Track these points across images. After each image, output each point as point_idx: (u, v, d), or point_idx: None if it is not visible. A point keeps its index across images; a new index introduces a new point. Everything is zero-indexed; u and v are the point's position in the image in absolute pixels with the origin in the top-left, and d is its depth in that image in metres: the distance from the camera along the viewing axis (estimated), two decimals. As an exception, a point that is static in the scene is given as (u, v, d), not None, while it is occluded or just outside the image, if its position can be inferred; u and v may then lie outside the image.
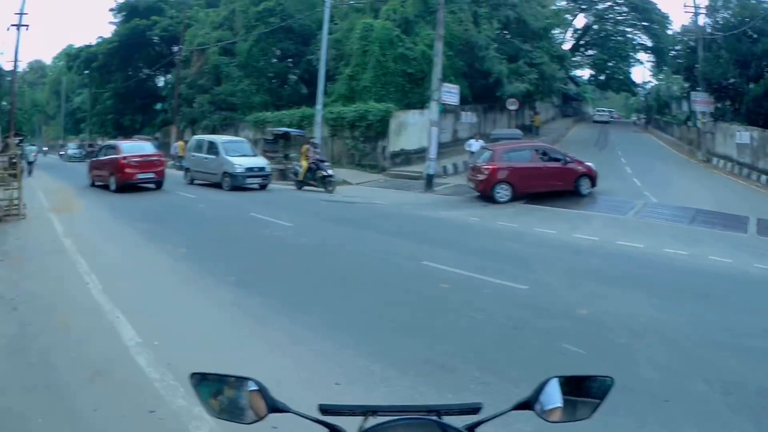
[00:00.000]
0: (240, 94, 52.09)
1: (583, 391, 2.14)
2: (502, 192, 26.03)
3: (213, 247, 15.30)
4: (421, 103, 39.15)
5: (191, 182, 32.38)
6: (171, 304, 10.36)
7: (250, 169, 29.74)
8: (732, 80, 46.47)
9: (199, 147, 32.26)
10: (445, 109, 36.12)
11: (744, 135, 40.36)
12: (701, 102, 47.92)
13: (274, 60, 55.55)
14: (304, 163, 30.70)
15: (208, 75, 54.87)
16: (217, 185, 29.84)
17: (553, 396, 2.11)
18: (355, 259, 14.22)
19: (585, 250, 16.60)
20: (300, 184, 30.87)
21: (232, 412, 2.06)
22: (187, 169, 33.18)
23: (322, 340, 8.55)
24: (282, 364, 7.57)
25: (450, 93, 34.33)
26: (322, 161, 30.88)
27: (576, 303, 11.00)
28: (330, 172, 30.26)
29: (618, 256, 15.89)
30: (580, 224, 20.87)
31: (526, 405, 2.09)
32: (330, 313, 9.85)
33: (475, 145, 33.47)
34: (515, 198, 25.81)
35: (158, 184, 29.61)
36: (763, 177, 36.44)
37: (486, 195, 26.25)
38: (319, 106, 37.92)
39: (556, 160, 27.57)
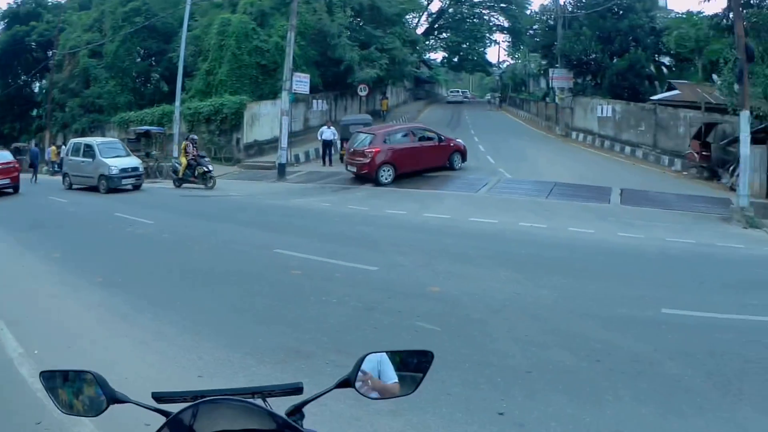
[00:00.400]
0: (106, 95, 50.93)
1: (406, 365, 2.18)
2: (386, 173, 27.36)
3: (82, 249, 14.99)
4: (274, 94, 39.16)
5: (70, 187, 30.72)
6: (47, 310, 10.09)
7: (124, 170, 28.80)
8: (593, 56, 47.97)
9: (76, 150, 30.84)
10: (296, 98, 36.25)
11: (606, 108, 41.75)
12: (560, 78, 49.29)
13: (138, 59, 54.43)
14: (183, 160, 29.88)
15: (78, 78, 53.32)
16: (95, 188, 28.78)
17: (388, 372, 2.15)
18: (211, 252, 14.16)
19: (437, 229, 16.87)
20: (179, 182, 30.00)
21: (77, 406, 2.07)
22: (65, 174, 31.70)
23: (184, 334, 8.60)
24: (148, 360, 7.60)
25: (301, 82, 34.46)
26: (202, 157, 30.31)
27: (428, 282, 11.23)
28: (210, 167, 29.64)
29: (471, 234, 16.16)
30: (432, 204, 21.12)
31: (347, 383, 2.12)
32: (189, 308, 9.85)
33: (326, 132, 33.74)
34: (397, 178, 27.01)
35: (15, 189, 29.44)
36: (627, 148, 37.98)
37: (370, 177, 27.23)
38: (177, 103, 37.53)
39: (430, 139, 29.80)
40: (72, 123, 52.40)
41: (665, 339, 8.63)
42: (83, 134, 47.21)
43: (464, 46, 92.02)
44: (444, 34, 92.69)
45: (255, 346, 8.01)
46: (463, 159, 30.63)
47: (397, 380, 2.14)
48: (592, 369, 7.50)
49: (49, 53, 58.83)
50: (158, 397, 2.11)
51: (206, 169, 29.31)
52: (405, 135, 29.23)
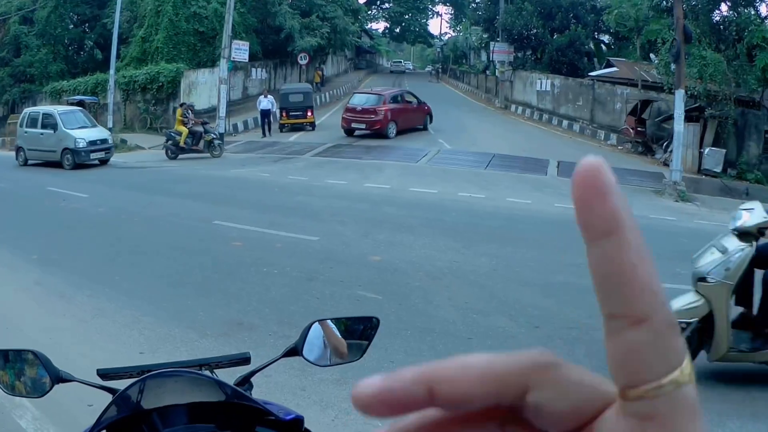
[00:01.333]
0: (38, 64, 49.02)
1: (353, 333, 2.19)
2: (391, 129, 31.62)
3: (15, 226, 14.63)
4: (212, 62, 38.46)
5: (25, 163, 27.26)
6: None
7: (92, 143, 25.62)
8: (534, 31, 48.26)
9: (33, 121, 27.37)
10: (235, 67, 35.55)
11: (545, 83, 42.13)
12: (501, 52, 49.37)
13: (71, 26, 52.74)
14: (183, 129, 27.28)
15: (9, 46, 51.44)
16: (56, 164, 25.82)
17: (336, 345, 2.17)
18: (149, 225, 13.97)
19: (377, 198, 16.91)
20: (177, 152, 27.30)
21: (19, 387, 2.02)
22: (19, 149, 27.96)
23: (123, 310, 8.47)
24: (87, 338, 7.49)
25: (240, 50, 33.90)
26: (205, 123, 28.45)
27: (369, 251, 11.31)
28: (217, 133, 28.28)
29: (412, 204, 16.22)
30: (372, 174, 21.15)
31: (294, 351, 2.11)
32: (128, 282, 9.69)
33: (264, 102, 32.86)
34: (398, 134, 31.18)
35: None
36: (565, 122, 38.34)
37: (381, 132, 31.15)
38: (112, 71, 36.32)
39: (411, 102, 34.44)
40: (2, 94, 50.96)
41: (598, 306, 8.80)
42: (13, 106, 45.94)
43: (406, 17, 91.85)
44: (386, 5, 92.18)
45: (196, 320, 8.00)
46: (431, 120, 35.09)
47: (344, 349, 2.16)
48: (531, 335, 7.66)
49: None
50: (103, 374, 2.09)
51: (214, 136, 27.58)
52: (398, 97, 33.65)
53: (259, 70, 44.24)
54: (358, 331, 2.21)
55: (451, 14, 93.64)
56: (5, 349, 2.02)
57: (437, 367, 0.40)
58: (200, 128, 27.43)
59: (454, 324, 7.95)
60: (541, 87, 42.68)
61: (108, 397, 1.86)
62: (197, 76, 39.11)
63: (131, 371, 2.04)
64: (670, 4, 26.91)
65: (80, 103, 35.38)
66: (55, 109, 28.71)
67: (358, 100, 32.53)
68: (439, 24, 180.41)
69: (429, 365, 0.40)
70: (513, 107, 45.95)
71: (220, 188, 18.84)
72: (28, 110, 30.14)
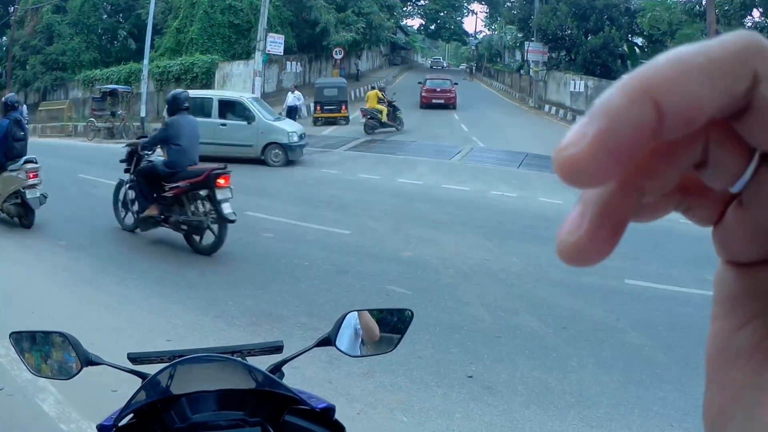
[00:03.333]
0: (70, 52, 49.41)
1: (386, 325, 2.21)
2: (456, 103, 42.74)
3: (45, 210, 14.68)
4: (247, 54, 38.66)
5: None
6: (9, 277, 9.79)
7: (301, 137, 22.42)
8: (569, 32, 48.08)
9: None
10: (270, 59, 35.70)
11: (579, 83, 42.07)
12: (535, 51, 49.27)
13: (105, 16, 53.09)
14: (383, 107, 31.07)
15: (41, 35, 51.90)
16: None
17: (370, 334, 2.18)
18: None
19: (409, 194, 16.88)
20: (378, 127, 30.77)
21: (49, 368, 2.05)
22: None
23: (151, 297, 8.51)
24: (115, 325, 7.47)
25: (275, 43, 34.00)
26: (394, 101, 32.38)
27: (400, 246, 11.30)
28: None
29: (444, 200, 16.18)
30: (405, 170, 21.04)
31: (327, 341, 2.13)
32: (156, 271, 9.74)
33: (290, 98, 31.44)
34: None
35: None
36: (597, 124, 38.08)
37: (451, 106, 42.25)
38: (145, 61, 36.39)
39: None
40: (33, 81, 51.29)
41: (628, 309, 8.78)
42: (45, 93, 46.36)
43: (442, 14, 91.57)
44: (422, 2, 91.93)
45: (225, 309, 8.02)
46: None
47: (377, 339, 2.18)
48: (558, 335, 7.62)
49: (11, 9, 57.62)
50: (134, 358, 2.11)
51: (400, 112, 32.15)
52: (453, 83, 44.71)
53: (293, 63, 44.29)
54: (392, 323, 2.23)
55: (486, 13, 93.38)
56: (33, 330, 2.06)
57: (648, 74, 0.31)
58: (392, 107, 31.70)
59: (483, 321, 7.93)
60: (574, 88, 42.57)
61: (135, 382, 1.87)
62: (231, 68, 39.23)
63: (162, 356, 2.06)
64: (703, 8, 26.79)
65: (113, 92, 35.54)
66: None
67: (434, 84, 43.92)
68: (474, 22, 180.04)
69: (635, 76, 0.31)
70: (546, 107, 45.73)
71: (253, 179, 18.84)
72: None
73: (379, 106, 30.86)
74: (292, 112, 31.50)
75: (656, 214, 0.37)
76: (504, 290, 9.26)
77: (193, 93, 20.14)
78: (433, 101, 42.14)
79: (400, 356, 6.39)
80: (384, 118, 30.60)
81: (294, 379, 5.30)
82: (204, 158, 13.04)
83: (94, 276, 9.56)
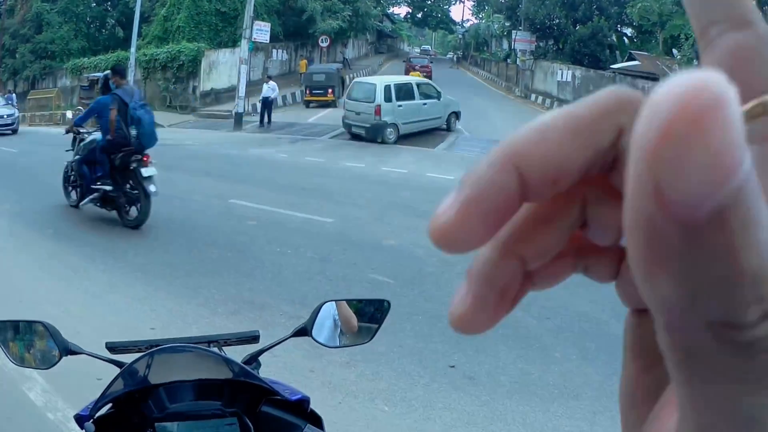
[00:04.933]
0: (59, 41, 49.40)
1: (363, 315, 2.20)
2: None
3: (33, 198, 14.65)
4: (233, 42, 38.75)
5: None
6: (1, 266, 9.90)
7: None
8: (557, 21, 48.25)
9: None
10: (256, 47, 35.78)
11: (566, 73, 42.24)
12: (522, 40, 49.64)
13: (93, 4, 53.05)
14: None
15: (31, 23, 51.78)
16: None
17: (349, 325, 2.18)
18: (164, 202, 13.90)
19: (393, 182, 16.91)
20: None
21: (33, 358, 2.06)
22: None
23: (135, 285, 8.49)
24: (100, 312, 7.47)
25: (261, 31, 34.00)
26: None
27: (383, 235, 11.30)
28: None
29: (428, 189, 16.16)
30: (389, 158, 21.13)
31: (304, 332, 2.13)
32: (141, 258, 9.72)
33: (264, 88, 31.68)
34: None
35: None
36: (585, 113, 38.26)
37: (430, 76, 41.48)
38: (132, 49, 36.51)
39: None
40: (22, 70, 51.14)
41: (613, 300, 8.65)
42: (33, 81, 46.31)
43: (429, 2, 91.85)
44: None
45: (208, 297, 8.02)
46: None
47: (355, 331, 2.17)
48: (542, 326, 7.63)
49: (1, -1, 57.41)
50: (112, 347, 2.10)
51: None
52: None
53: (279, 51, 44.40)
54: (369, 314, 2.21)
55: (473, 1, 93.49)
56: (16, 320, 2.05)
57: (511, 142, 0.31)
58: None
59: (465, 311, 7.96)
60: (561, 77, 42.71)
61: (116, 371, 1.87)
62: (218, 56, 39.32)
63: (140, 345, 2.06)
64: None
65: (100, 80, 35.51)
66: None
67: (415, 61, 53.70)
68: (462, 10, 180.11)
69: (498, 147, 0.32)
70: (533, 96, 45.89)
71: (237, 167, 18.84)
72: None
73: None
74: (267, 103, 31.57)
75: (554, 279, 0.37)
76: (488, 280, 9.28)
77: (394, 79, 28.02)
78: (411, 71, 46.45)
79: (382, 345, 6.40)
80: None
81: (275, 367, 5.32)
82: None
83: (81, 264, 9.52)
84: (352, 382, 5.84)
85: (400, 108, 25.58)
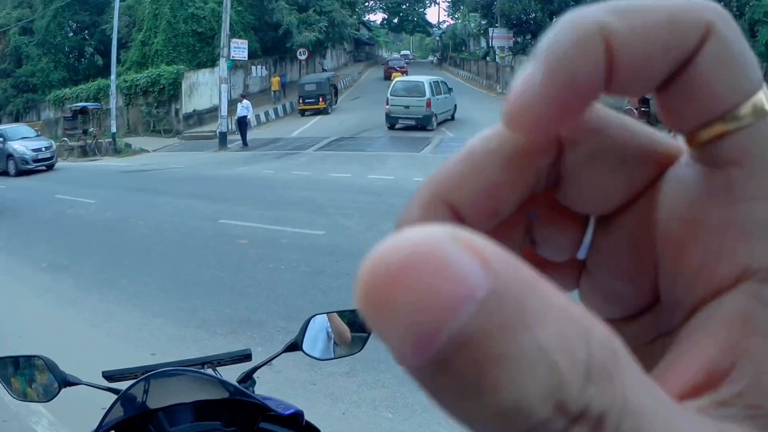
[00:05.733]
0: (40, 73, 49.10)
1: (353, 325, 2.21)
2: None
3: (25, 233, 14.63)
4: (212, 62, 38.67)
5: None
6: None
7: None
8: (533, 15, 48.34)
9: None
10: (235, 65, 35.80)
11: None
12: (500, 37, 49.66)
13: (71, 34, 52.77)
14: None
15: (10, 57, 51.47)
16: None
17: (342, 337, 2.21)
18: (155, 227, 13.97)
19: (381, 190, 16.89)
20: None
21: (35, 392, 2.06)
22: None
23: (133, 312, 8.51)
24: (100, 341, 7.49)
25: (239, 48, 34.10)
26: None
27: (375, 243, 11.23)
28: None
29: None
30: (375, 165, 21.11)
31: (294, 346, 2.16)
32: (136, 285, 9.72)
33: (239, 108, 31.54)
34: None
35: None
36: (565, 105, 38.45)
37: (406, 73, 48.63)
38: (113, 76, 36.31)
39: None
40: (6, 105, 50.87)
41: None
42: (18, 116, 46.17)
43: (404, 6, 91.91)
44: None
45: (205, 319, 8.04)
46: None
47: (348, 342, 2.20)
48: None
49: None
50: (109, 375, 2.13)
51: None
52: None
53: (259, 67, 44.36)
54: (358, 323, 2.20)
55: (448, 2, 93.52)
56: (15, 355, 2.07)
57: (438, 179, 0.30)
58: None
59: (463, 312, 7.99)
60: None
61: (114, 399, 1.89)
62: (198, 77, 39.26)
63: (136, 372, 2.08)
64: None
65: (83, 110, 35.50)
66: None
67: (393, 63, 61.41)
68: (437, 12, 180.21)
69: (426, 184, 0.31)
70: (515, 92, 46.03)
71: (224, 187, 18.83)
72: None
73: None
74: (242, 123, 31.33)
75: None
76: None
77: (430, 78, 34.04)
78: (393, 73, 51.87)
79: (381, 353, 6.35)
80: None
81: (277, 382, 5.36)
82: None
83: (77, 295, 9.53)
84: (353, 391, 5.86)
85: (437, 100, 31.61)
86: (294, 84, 45.77)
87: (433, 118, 30.94)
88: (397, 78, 36.15)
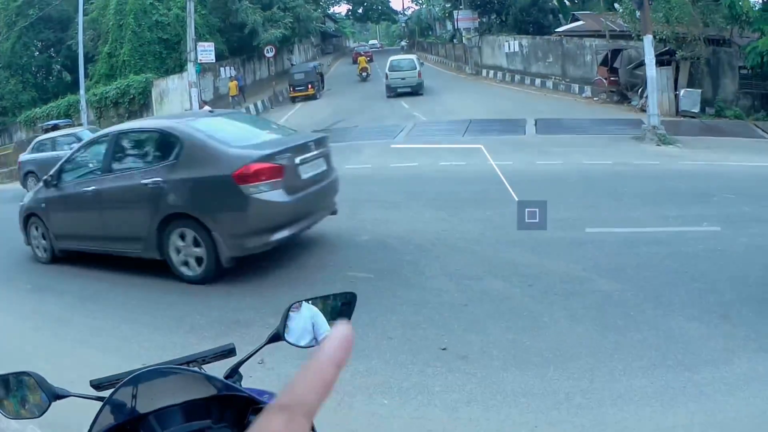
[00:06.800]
0: (9, 95, 48.81)
1: (332, 311, 2.26)
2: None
3: (4, 257, 14.42)
4: (180, 67, 38.64)
5: None
6: None
7: None
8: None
9: None
10: (203, 68, 35.56)
11: (513, 44, 42.71)
12: (465, 19, 49.93)
13: (37, 53, 52.49)
14: None
15: (-23, 81, 51.28)
16: None
17: (322, 323, 2.24)
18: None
19: (359, 178, 16.70)
20: None
21: (22, 409, 2.05)
22: None
23: (121, 325, 8.43)
24: (90, 357, 7.42)
25: (205, 51, 33.89)
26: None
27: (356, 232, 11.35)
28: None
29: (394, 179, 16.30)
30: (351, 155, 20.93)
31: (277, 337, 2.19)
32: (121, 298, 9.62)
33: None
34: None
35: None
36: (537, 80, 38.76)
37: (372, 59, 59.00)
38: (82, 91, 36.20)
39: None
40: (-23, 129, 50.64)
41: (593, 257, 8.94)
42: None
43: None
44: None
45: (193, 324, 8.00)
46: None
47: (329, 330, 2.20)
48: (526, 294, 7.72)
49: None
50: (97, 384, 2.12)
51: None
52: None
53: (227, 68, 44.19)
54: (337, 309, 2.28)
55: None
56: (3, 374, 2.05)
57: None
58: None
59: (449, 293, 8.00)
60: (509, 49, 43.07)
61: None
62: (167, 84, 39.15)
63: (122, 377, 2.06)
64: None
65: (55, 128, 35.11)
66: None
67: (359, 49, 68.88)
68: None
69: None
70: (484, 72, 46.30)
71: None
72: None
73: None
74: None
75: None
76: (465, 258, 9.35)
77: (413, 56, 47.10)
78: (359, 57, 57.55)
79: (372, 340, 6.48)
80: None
81: (269, 378, 5.37)
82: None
83: (63, 314, 9.42)
84: (347, 381, 5.85)
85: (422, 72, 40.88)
86: (262, 81, 48.13)
87: (422, 86, 40.00)
88: (393, 57, 43.29)
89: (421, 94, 38.98)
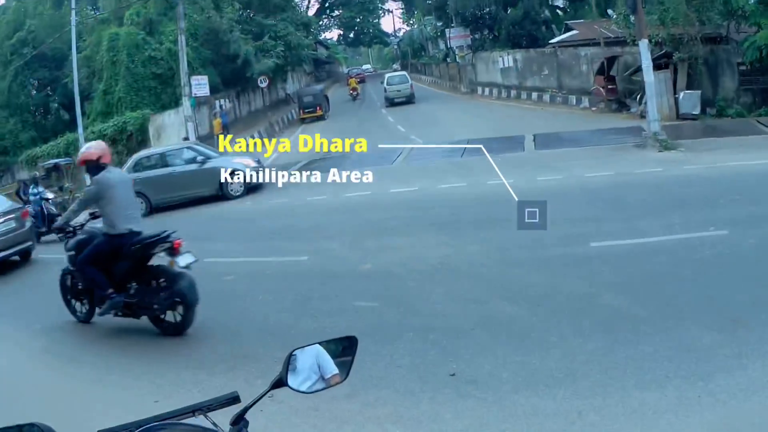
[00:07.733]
0: (8, 135, 48.93)
1: (335, 354, 2.26)
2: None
3: (14, 297, 14.39)
4: (175, 102, 38.45)
5: None
6: None
7: None
8: (488, 9, 48.53)
9: None
10: (198, 102, 35.62)
11: (507, 59, 42.45)
12: (458, 37, 50.35)
13: (34, 92, 52.70)
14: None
15: (-25, 121, 51.38)
16: None
17: (328, 365, 2.23)
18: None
19: (359, 206, 16.90)
20: None
21: None
22: None
23: (132, 363, 8.40)
24: (102, 395, 7.43)
25: (200, 85, 34.13)
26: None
27: (358, 261, 11.32)
28: None
29: (393, 205, 16.21)
30: (350, 183, 20.71)
31: (280, 383, 2.19)
32: (132, 335, 9.60)
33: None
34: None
35: None
36: (533, 94, 38.56)
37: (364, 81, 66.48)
38: (80, 129, 36.11)
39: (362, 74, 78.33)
40: (-24, 170, 50.69)
41: (599, 272, 8.89)
42: (-9, 180, 46.04)
43: (358, 20, 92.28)
44: (336, 12, 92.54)
45: (202, 360, 7.98)
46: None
47: (337, 370, 2.23)
48: (533, 314, 7.68)
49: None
50: None
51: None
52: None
53: (222, 100, 44.24)
54: (339, 352, 2.27)
55: (402, 9, 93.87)
56: (12, 426, 2.03)
57: None
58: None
59: (455, 317, 7.96)
60: (503, 64, 42.94)
61: None
62: (163, 119, 39.10)
63: (130, 428, 2.05)
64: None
65: (55, 167, 35.20)
66: None
67: (353, 72, 77.39)
68: (392, 21, 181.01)
69: None
70: (480, 90, 46.27)
71: (204, 224, 18.68)
72: None
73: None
74: None
75: None
76: (470, 281, 9.31)
77: (404, 72, 57.41)
78: (350, 80, 62.64)
79: (380, 370, 6.44)
80: None
81: (281, 413, 5.34)
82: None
83: (74, 353, 9.42)
84: (357, 412, 5.83)
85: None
86: (257, 113, 49.28)
87: (414, 95, 48.24)
88: (388, 74, 54.17)
89: (413, 103, 46.88)
